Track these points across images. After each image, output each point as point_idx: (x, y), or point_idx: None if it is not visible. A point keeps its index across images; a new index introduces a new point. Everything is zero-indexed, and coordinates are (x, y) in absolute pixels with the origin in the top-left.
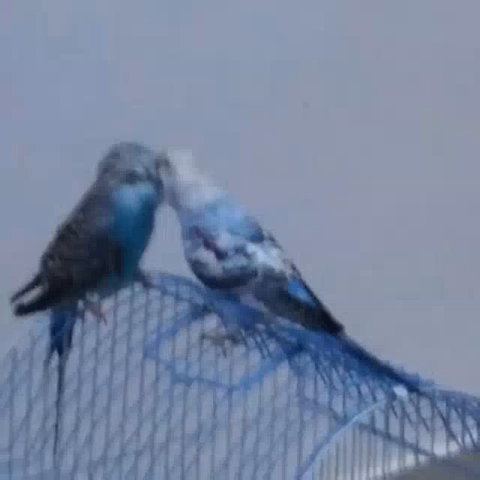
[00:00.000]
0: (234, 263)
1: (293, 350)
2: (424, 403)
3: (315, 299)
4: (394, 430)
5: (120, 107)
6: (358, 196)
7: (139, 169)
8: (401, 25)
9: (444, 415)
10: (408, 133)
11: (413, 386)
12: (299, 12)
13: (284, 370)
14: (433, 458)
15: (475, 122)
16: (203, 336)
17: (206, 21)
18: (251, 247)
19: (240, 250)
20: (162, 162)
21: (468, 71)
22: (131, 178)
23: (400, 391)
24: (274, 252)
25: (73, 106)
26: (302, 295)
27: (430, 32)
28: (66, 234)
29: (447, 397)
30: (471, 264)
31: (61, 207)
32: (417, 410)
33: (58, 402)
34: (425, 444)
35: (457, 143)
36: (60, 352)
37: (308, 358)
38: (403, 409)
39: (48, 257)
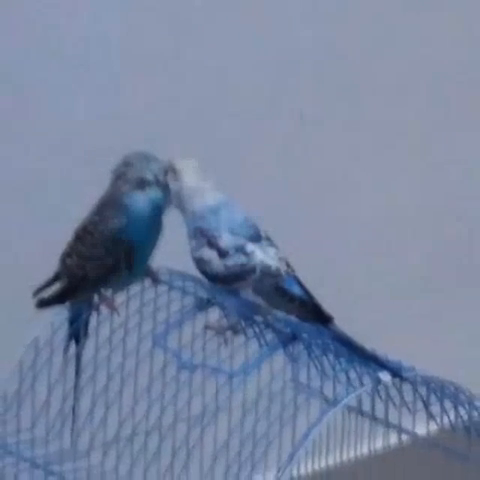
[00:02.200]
0: (235, 261)
1: (288, 339)
2: (406, 387)
3: (308, 293)
4: (379, 412)
5: (130, 118)
6: (348, 198)
7: (149, 176)
8: (388, 39)
9: (424, 398)
10: (395, 139)
11: (396, 372)
12: (294, 29)
13: (280, 358)
14: (414, 437)
15: (456, 129)
16: (207, 327)
17: (208, 38)
18: (250, 246)
19: (240, 249)
20: (170, 169)
21: (449, 83)
22: (141, 184)
23: (385, 376)
24: (271, 251)
25: (86, 117)
26: (296, 290)
27: (415, 47)
28: (83, 235)
29: (427, 382)
30: (452, 261)
31: (77, 210)
32: (400, 394)
33: (75, 386)
34: (407, 424)
35: (440, 149)
36: (77, 341)
37: (301, 347)
38: (387, 393)
39: (66, 256)
